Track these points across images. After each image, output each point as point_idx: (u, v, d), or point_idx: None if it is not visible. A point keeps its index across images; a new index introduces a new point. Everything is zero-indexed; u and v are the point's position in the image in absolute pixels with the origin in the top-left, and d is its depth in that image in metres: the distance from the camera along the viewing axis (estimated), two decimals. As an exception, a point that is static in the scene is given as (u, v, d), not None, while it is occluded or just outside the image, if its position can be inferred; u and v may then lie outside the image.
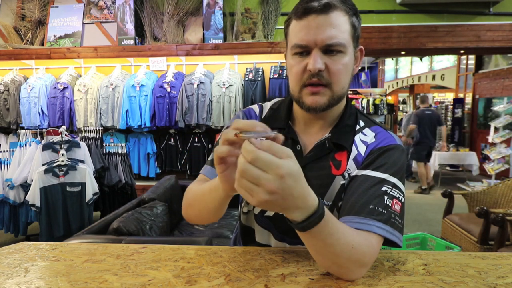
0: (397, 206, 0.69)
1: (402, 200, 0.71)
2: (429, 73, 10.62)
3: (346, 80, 0.73)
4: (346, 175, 0.75)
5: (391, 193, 0.69)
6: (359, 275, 0.62)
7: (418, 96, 7.63)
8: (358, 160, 0.76)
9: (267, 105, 0.89)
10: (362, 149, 0.77)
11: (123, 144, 3.70)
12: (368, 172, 0.72)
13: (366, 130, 0.80)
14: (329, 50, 0.69)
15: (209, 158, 0.83)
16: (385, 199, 0.68)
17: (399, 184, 0.71)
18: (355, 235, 0.62)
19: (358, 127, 0.80)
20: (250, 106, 0.91)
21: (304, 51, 0.70)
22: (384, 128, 0.81)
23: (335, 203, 0.75)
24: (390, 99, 13.63)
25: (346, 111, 0.81)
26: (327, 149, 0.77)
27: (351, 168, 0.75)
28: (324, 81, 0.70)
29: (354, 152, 0.77)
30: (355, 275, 0.61)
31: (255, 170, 0.46)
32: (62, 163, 2.90)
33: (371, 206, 0.67)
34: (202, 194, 0.72)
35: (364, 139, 0.78)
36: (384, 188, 0.69)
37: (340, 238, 0.58)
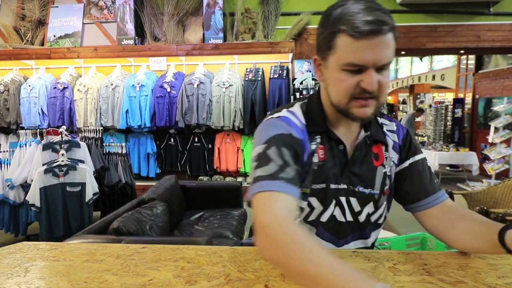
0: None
1: None
2: (429, 73, 10.60)
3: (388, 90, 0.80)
4: (391, 163, 0.87)
5: (428, 163, 0.90)
6: None
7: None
8: (396, 148, 0.88)
9: (298, 112, 0.84)
10: (394, 137, 0.89)
11: (123, 144, 3.70)
12: (416, 158, 0.88)
13: (383, 120, 0.91)
14: (381, 67, 0.72)
15: (272, 172, 0.68)
16: (432, 170, 0.89)
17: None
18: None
19: (379, 120, 0.90)
20: (284, 115, 0.82)
21: (358, 69, 0.71)
22: (387, 115, 0.95)
23: (382, 190, 0.85)
24: (390, 99, 13.64)
25: None
26: (368, 145, 0.86)
27: (393, 156, 0.87)
28: (374, 95, 0.73)
29: (390, 142, 0.88)
30: None
31: None
32: (62, 163, 2.90)
33: (435, 181, 0.87)
34: (320, 265, 0.52)
35: (389, 128, 0.89)
36: (428, 164, 0.90)
37: None
